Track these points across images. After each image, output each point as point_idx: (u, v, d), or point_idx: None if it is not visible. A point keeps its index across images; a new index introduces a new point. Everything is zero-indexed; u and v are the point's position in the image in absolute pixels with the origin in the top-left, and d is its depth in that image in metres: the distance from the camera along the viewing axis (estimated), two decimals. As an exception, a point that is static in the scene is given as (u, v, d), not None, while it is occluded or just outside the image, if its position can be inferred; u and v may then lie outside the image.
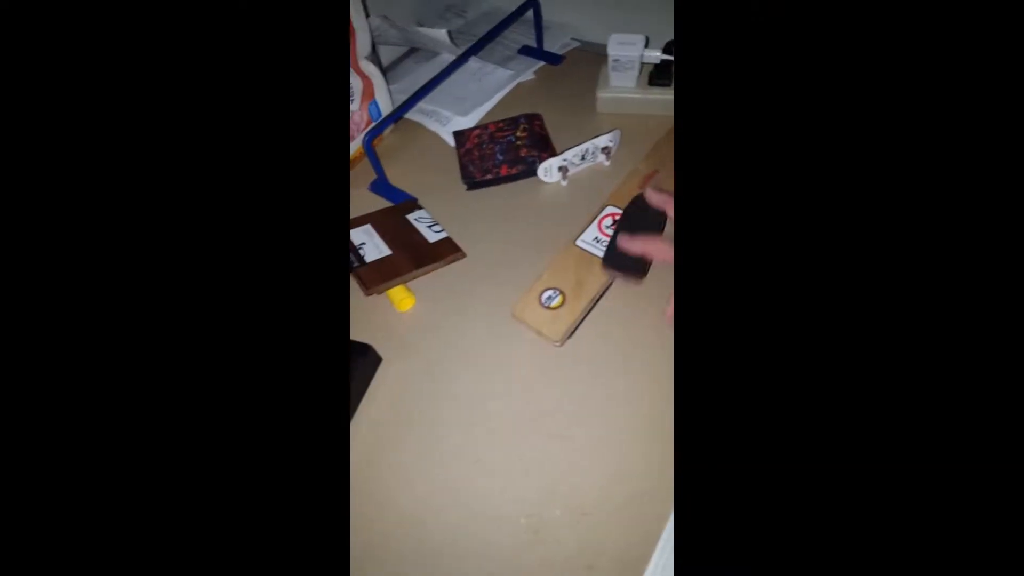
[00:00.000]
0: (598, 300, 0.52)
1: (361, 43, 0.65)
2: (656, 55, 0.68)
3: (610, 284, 0.53)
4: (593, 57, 0.82)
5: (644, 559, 0.39)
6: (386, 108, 0.72)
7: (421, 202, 0.67)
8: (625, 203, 0.57)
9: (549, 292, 0.52)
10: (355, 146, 0.70)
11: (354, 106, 0.67)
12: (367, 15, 0.66)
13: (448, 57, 0.84)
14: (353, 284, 0.58)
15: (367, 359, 0.51)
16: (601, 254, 0.53)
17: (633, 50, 0.67)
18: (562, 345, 0.50)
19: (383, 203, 0.69)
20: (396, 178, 0.70)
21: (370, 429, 0.49)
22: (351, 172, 0.72)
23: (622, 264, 0.50)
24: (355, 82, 0.65)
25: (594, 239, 0.55)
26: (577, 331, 0.51)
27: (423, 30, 0.75)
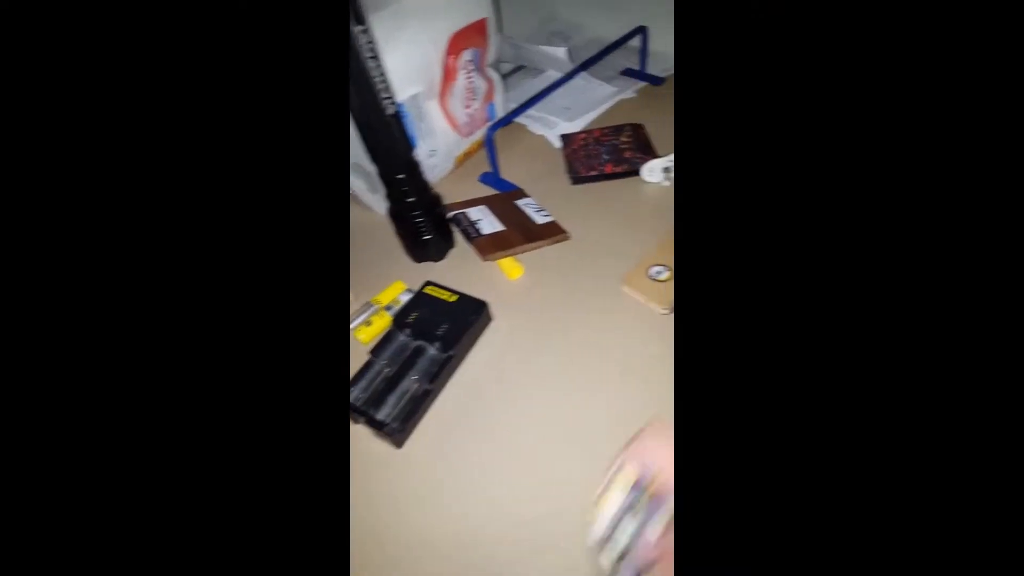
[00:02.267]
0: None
1: (491, 51, 0.74)
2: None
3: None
4: (692, 80, 0.87)
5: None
6: (500, 110, 0.80)
7: (527, 193, 0.73)
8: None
9: (658, 267, 0.55)
10: (473, 139, 0.77)
11: (477, 104, 0.75)
12: (500, 30, 0.75)
13: (552, 74, 0.93)
14: (471, 251, 0.64)
15: (483, 314, 0.56)
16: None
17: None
18: (668, 314, 0.53)
19: (492, 192, 0.75)
20: (504, 172, 0.77)
21: (477, 372, 0.53)
22: (466, 162, 0.80)
23: None
24: (481, 84, 0.74)
25: (699, 227, 0.59)
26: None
27: (544, 48, 0.83)
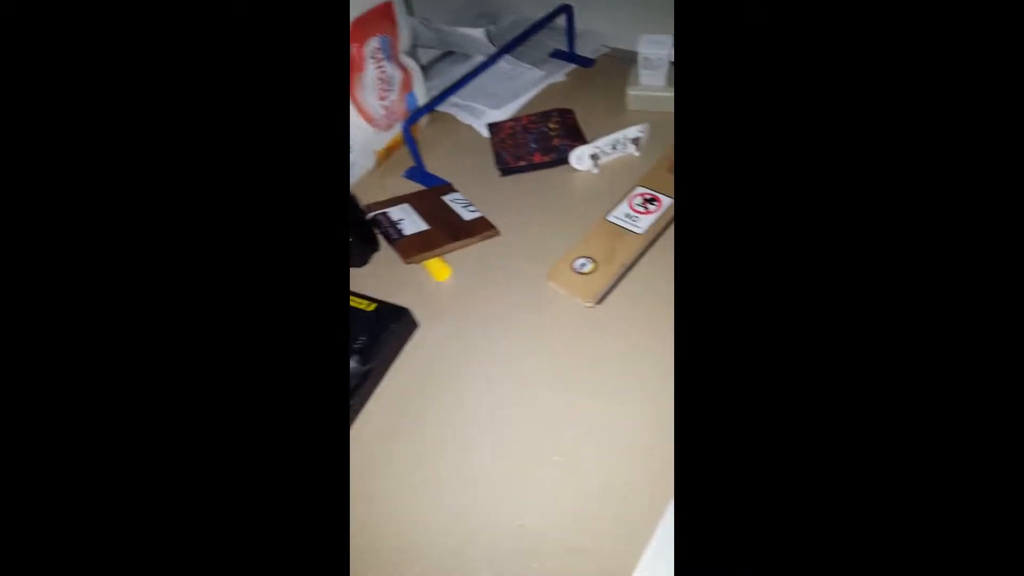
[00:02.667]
0: (630, 268, 0.54)
1: (403, 38, 0.69)
2: (684, 52, 0.71)
3: (643, 253, 0.55)
4: (623, 62, 0.85)
5: (668, 489, 0.41)
6: (422, 100, 0.76)
7: (455, 187, 0.70)
8: (655, 186, 0.59)
9: (582, 260, 0.54)
10: (393, 133, 0.74)
11: (393, 96, 0.71)
12: (411, 13, 0.71)
13: (482, 60, 0.89)
14: (394, 254, 0.60)
15: (403, 322, 0.53)
16: (632, 228, 0.55)
17: (662, 48, 0.71)
18: (594, 306, 0.52)
19: (417, 189, 0.72)
20: (431, 166, 0.73)
21: (402, 382, 0.51)
22: (388, 159, 0.76)
23: None
24: (396, 73, 0.69)
25: (625, 215, 0.57)
26: (610, 297, 0.53)
27: (461, 30, 0.79)
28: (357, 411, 0.48)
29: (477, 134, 0.79)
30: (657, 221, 0.56)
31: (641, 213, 0.57)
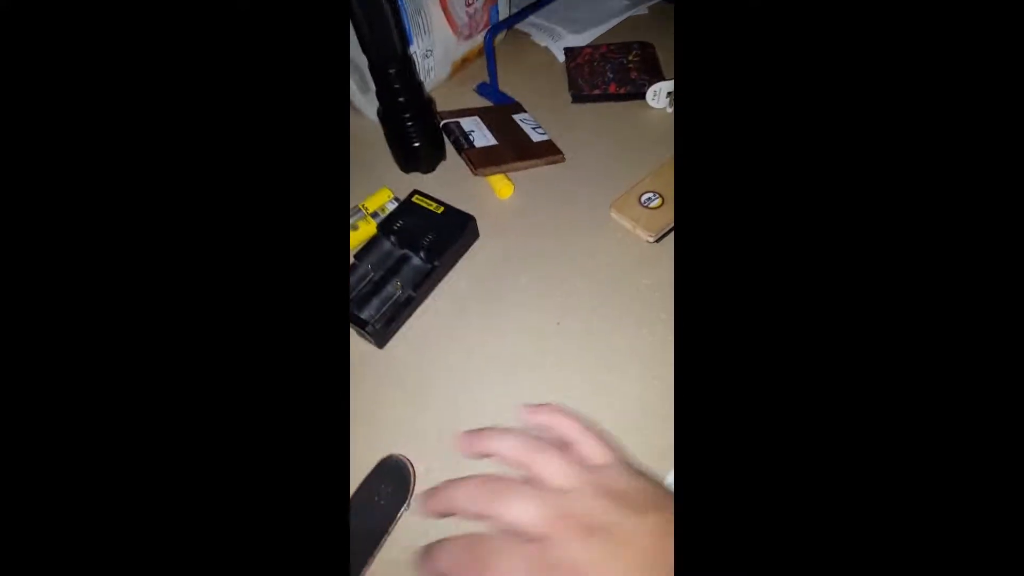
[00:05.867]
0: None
1: (497, -57, 0.67)
2: None
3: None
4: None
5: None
6: (504, 14, 0.75)
7: (525, 108, 0.70)
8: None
9: (649, 194, 0.55)
10: (471, 45, 0.73)
11: (478, 5, 0.69)
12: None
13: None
14: (461, 166, 0.62)
15: (468, 229, 0.55)
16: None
17: (761, -10, 0.68)
18: (655, 242, 0.53)
19: (488, 104, 0.72)
20: (503, 85, 0.73)
21: (461, 286, 0.54)
22: (463, 71, 0.75)
23: None
24: (484, -20, 0.68)
25: (697, 157, 0.58)
26: (667, 238, 0.54)
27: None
28: (418, 303, 0.52)
29: (552, 57, 0.78)
30: (728, 168, 0.56)
31: (714, 158, 0.57)
